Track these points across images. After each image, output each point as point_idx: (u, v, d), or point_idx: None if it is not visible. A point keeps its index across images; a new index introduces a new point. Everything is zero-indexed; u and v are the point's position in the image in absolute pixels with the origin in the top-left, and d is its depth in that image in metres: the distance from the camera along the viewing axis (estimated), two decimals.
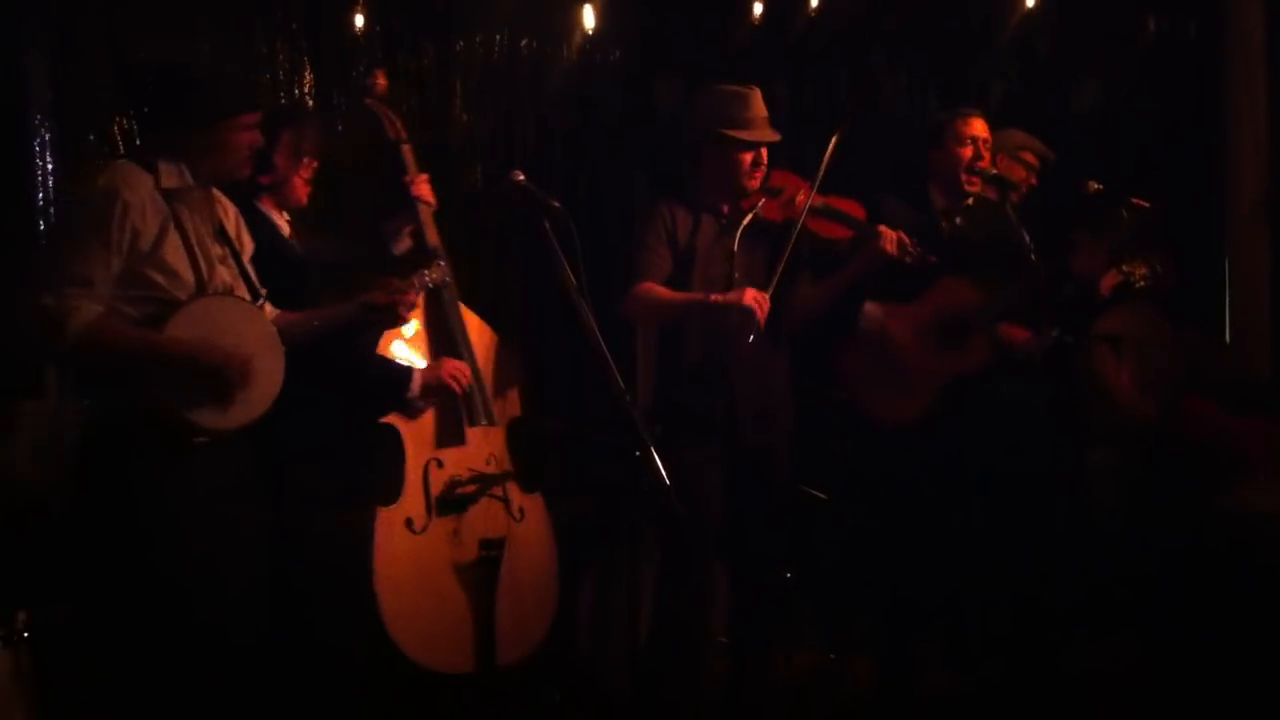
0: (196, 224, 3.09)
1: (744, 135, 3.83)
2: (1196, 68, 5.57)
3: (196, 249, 3.05)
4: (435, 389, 3.74)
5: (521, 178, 3.47)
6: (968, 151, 4.17)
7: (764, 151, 3.89)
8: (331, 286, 3.61)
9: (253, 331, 3.09)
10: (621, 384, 3.16)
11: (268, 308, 3.31)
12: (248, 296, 3.18)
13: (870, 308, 4.08)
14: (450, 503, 3.72)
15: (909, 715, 4.18)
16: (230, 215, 3.27)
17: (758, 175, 3.89)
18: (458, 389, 3.77)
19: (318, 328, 3.32)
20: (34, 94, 4.40)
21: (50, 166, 4.39)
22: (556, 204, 3.39)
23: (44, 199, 4.38)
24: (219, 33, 4.63)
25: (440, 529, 3.69)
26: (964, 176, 4.17)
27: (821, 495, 4.65)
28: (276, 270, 3.41)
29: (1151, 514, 4.51)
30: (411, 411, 3.72)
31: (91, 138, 4.46)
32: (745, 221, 3.88)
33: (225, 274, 3.13)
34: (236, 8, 4.71)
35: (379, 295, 3.38)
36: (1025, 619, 4.25)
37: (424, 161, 4.00)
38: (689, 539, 3.82)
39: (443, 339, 3.82)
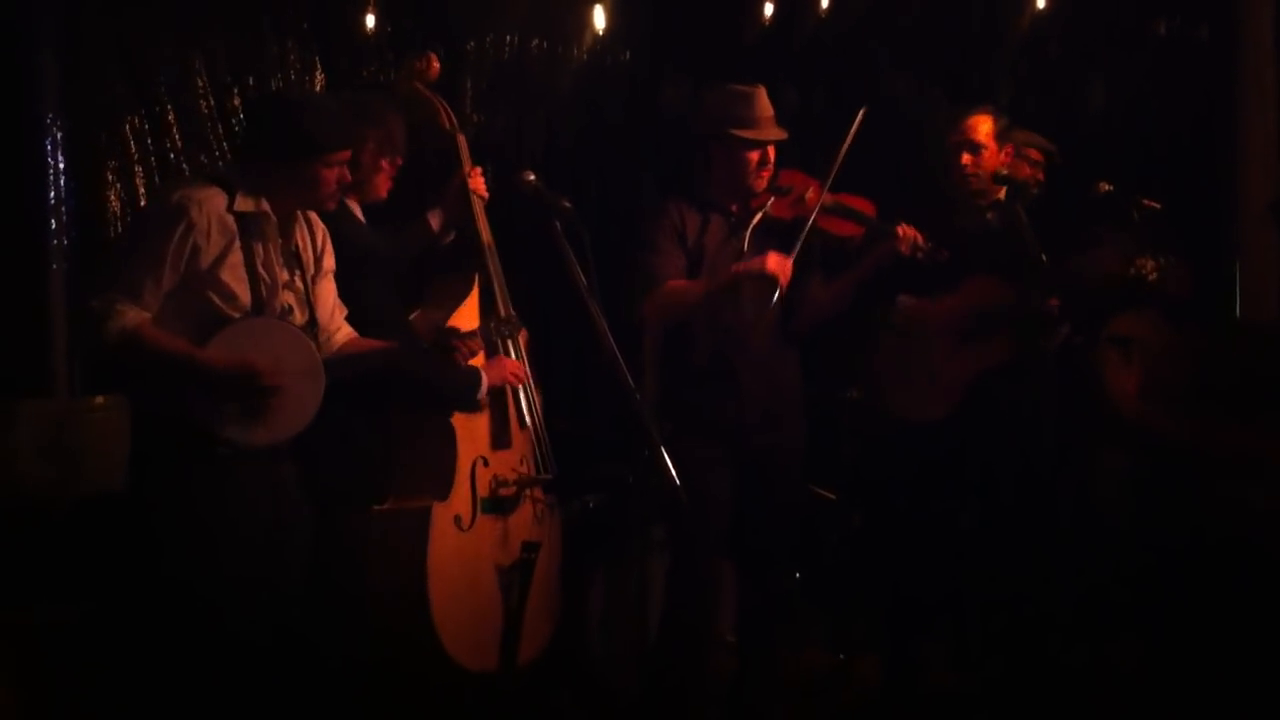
0: (265, 248, 3.12)
1: (750, 134, 3.84)
2: (1207, 69, 5.55)
3: (260, 271, 3.09)
4: (499, 389, 3.75)
5: (531, 177, 3.47)
6: (952, 161, 4.17)
7: (771, 150, 3.89)
8: (384, 281, 3.62)
9: (294, 357, 3.10)
10: (631, 383, 3.16)
11: (343, 330, 3.35)
12: (305, 322, 3.20)
13: (905, 300, 4.07)
14: (493, 503, 3.72)
15: (914, 714, 4.18)
16: (318, 235, 3.30)
17: (765, 174, 3.90)
18: (519, 384, 3.79)
19: (377, 364, 3.35)
20: (45, 93, 4.42)
21: (61, 165, 4.41)
22: (567, 204, 3.39)
23: (55, 197, 4.40)
24: (230, 32, 4.65)
25: (484, 528, 3.69)
26: (964, 185, 4.18)
27: (830, 495, 4.65)
28: (351, 265, 3.44)
29: (1156, 515, 4.50)
30: (476, 407, 3.72)
31: (102, 137, 4.47)
32: (755, 220, 3.89)
33: (289, 297, 3.17)
34: (247, 8, 4.71)
35: (451, 352, 3.40)
36: (1030, 619, 4.23)
37: (426, 159, 3.96)
38: (696, 538, 3.83)
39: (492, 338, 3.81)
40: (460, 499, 3.65)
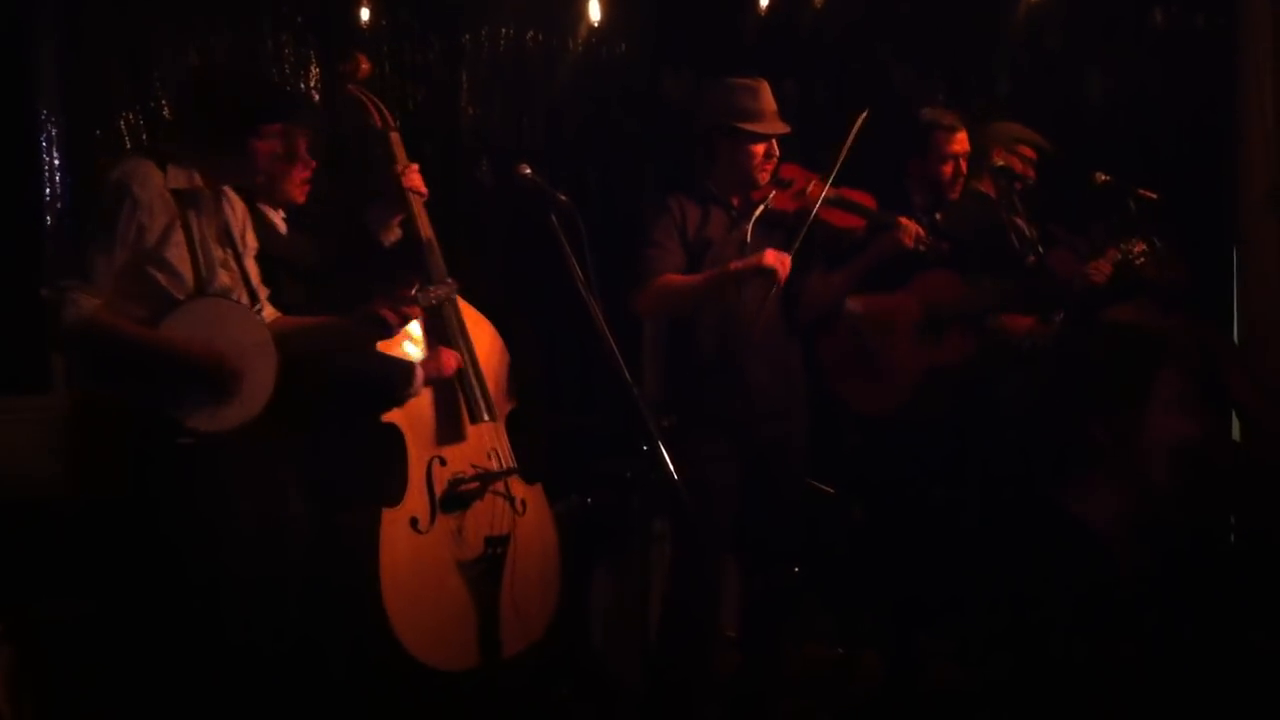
0: (202, 226, 3.08)
1: (756, 127, 3.84)
2: (1206, 59, 5.54)
3: (199, 251, 3.04)
4: (436, 382, 3.70)
5: (528, 171, 3.45)
6: (948, 169, 4.19)
7: (775, 143, 3.89)
8: (318, 285, 3.58)
9: (247, 335, 3.08)
10: (629, 377, 3.14)
11: (267, 310, 3.30)
12: (246, 300, 3.17)
13: (853, 304, 4.07)
14: (453, 500, 3.68)
15: (916, 709, 4.17)
16: (238, 214, 3.26)
17: (769, 167, 3.90)
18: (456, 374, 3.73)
19: (314, 337, 3.28)
20: (42, 89, 4.41)
21: (57, 161, 4.39)
22: (563, 197, 3.37)
23: (50, 194, 4.38)
24: (226, 27, 4.64)
25: (444, 528, 3.65)
26: (948, 193, 4.18)
27: (828, 489, 4.63)
28: (267, 270, 3.39)
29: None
30: (404, 401, 3.66)
31: (98, 132, 4.45)
32: (758, 212, 3.89)
33: (225, 277, 3.13)
34: (243, 2, 4.70)
35: (383, 311, 3.27)
36: (1032, 615, 4.22)
37: (424, 153, 3.93)
38: (700, 533, 3.81)
39: (439, 330, 3.76)
40: (416, 501, 3.61)
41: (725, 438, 3.84)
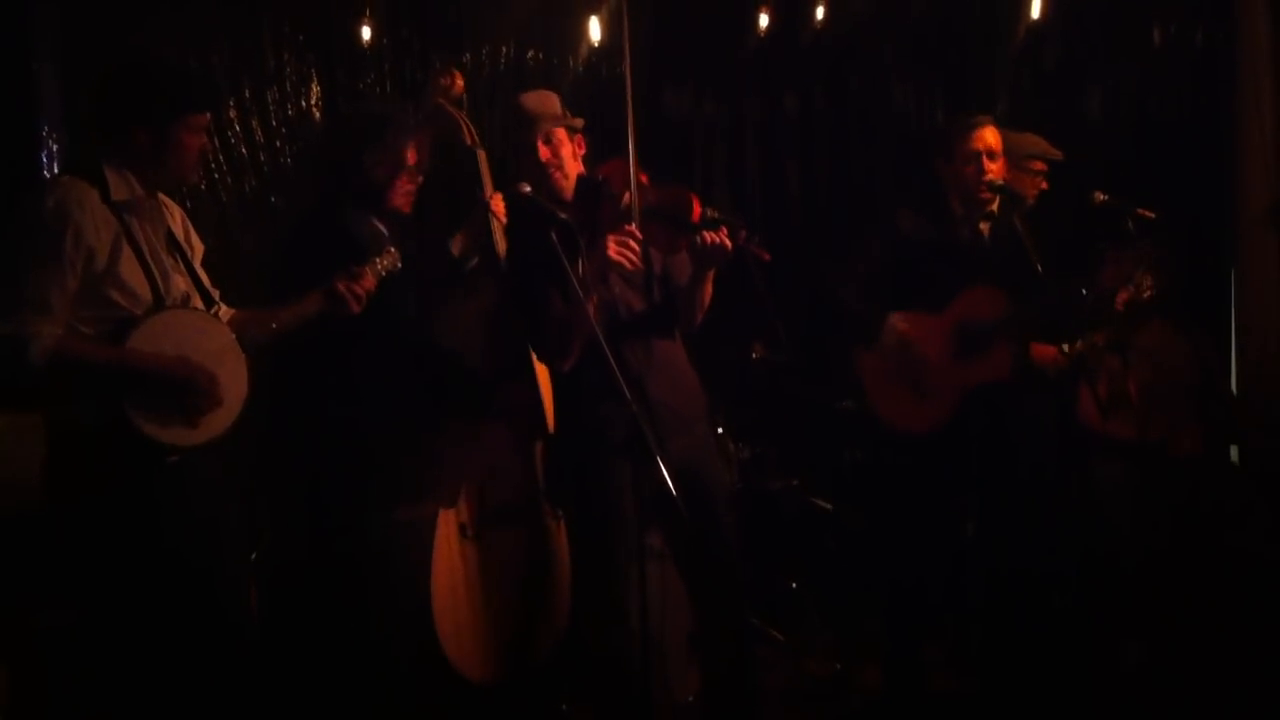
0: (148, 235, 3.04)
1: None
2: (1205, 75, 5.56)
3: (150, 262, 3.00)
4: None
5: (527, 189, 3.45)
6: (971, 169, 4.11)
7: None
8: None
9: (214, 342, 3.05)
10: (627, 391, 3.14)
11: (223, 309, 3.27)
12: (202, 304, 3.14)
13: (897, 320, 4.03)
14: (498, 513, 3.73)
15: (915, 717, 4.15)
16: (177, 218, 3.21)
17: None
18: None
19: (276, 329, 3.23)
20: (43, 106, 4.42)
21: None
22: (563, 215, 3.37)
23: None
24: (227, 44, 4.66)
25: (488, 538, 3.69)
26: (981, 194, 4.12)
27: (826, 505, 4.63)
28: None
29: (1157, 524, 4.51)
30: None
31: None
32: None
33: (181, 282, 3.10)
34: (244, 19, 4.72)
35: (336, 285, 3.24)
36: (1032, 624, 4.22)
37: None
38: (700, 544, 3.69)
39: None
40: (466, 508, 3.64)
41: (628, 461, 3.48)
